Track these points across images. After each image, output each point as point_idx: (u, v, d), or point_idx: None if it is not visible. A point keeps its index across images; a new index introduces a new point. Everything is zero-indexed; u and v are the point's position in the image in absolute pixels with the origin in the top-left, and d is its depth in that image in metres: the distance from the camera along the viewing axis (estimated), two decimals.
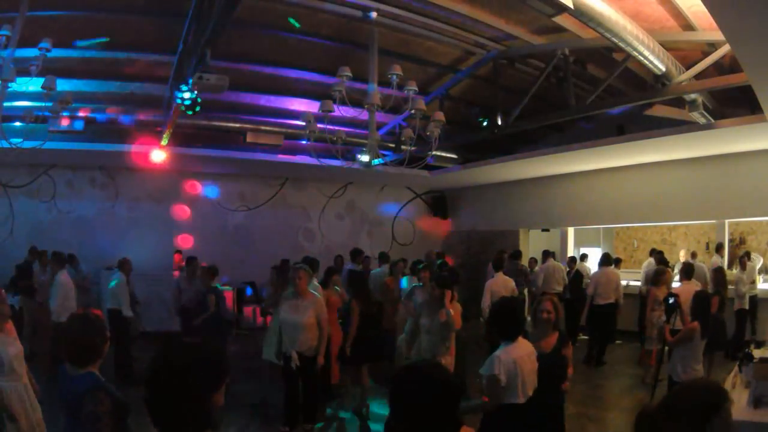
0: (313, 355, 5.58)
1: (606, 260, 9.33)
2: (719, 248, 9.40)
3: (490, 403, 3.50)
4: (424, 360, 2.12)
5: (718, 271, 8.16)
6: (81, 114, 8.25)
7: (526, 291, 10.43)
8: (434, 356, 5.07)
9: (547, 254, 10.88)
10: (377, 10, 6.62)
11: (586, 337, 9.62)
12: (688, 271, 7.17)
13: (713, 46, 6.37)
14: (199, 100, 6.38)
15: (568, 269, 10.79)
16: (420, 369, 2.05)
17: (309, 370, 5.60)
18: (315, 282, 7.09)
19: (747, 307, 8.59)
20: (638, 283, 10.71)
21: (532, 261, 11.59)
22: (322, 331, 5.57)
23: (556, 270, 10.51)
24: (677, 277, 8.18)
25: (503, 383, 3.43)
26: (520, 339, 3.63)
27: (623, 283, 9.65)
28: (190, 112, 6.53)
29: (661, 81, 6.82)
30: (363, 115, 6.12)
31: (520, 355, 3.53)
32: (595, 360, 8.83)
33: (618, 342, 10.16)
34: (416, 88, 5.87)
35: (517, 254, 10.91)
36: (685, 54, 6.76)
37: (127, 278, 8.08)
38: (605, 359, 8.91)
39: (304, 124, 6.43)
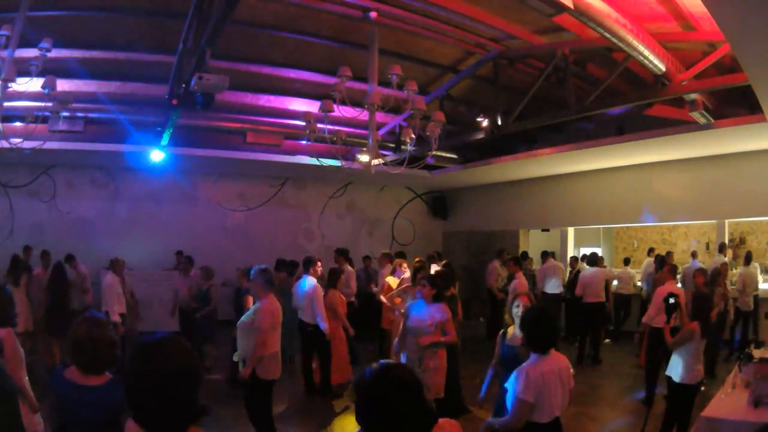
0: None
1: (594, 259, 9.39)
2: (722, 248, 9.39)
3: (512, 422, 3.15)
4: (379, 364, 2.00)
5: (703, 272, 8.15)
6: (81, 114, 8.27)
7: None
8: (420, 357, 4.94)
9: (546, 254, 10.89)
10: (377, 10, 6.61)
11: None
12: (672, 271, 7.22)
13: (713, 46, 6.37)
14: (199, 98, 6.36)
15: (569, 269, 10.80)
16: (374, 372, 2.02)
17: (248, 380, 4.84)
18: (312, 279, 7.10)
19: (751, 307, 8.60)
20: (639, 284, 10.73)
21: (573, 260, 11.56)
22: (256, 339, 4.74)
23: (557, 270, 10.52)
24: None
25: (531, 402, 3.09)
26: (552, 351, 3.28)
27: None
28: (197, 108, 6.51)
29: (661, 81, 6.81)
30: (363, 115, 6.12)
31: (551, 369, 3.19)
32: (592, 359, 8.87)
33: (607, 341, 10.17)
34: (416, 88, 5.87)
35: (525, 255, 10.94)
36: (685, 54, 6.75)
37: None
38: (601, 357, 8.95)
39: (304, 124, 6.42)
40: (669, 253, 9.78)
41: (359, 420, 1.94)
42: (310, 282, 7.00)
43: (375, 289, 9.29)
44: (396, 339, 5.41)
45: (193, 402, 1.74)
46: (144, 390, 1.68)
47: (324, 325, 6.81)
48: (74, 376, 2.45)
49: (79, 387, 2.40)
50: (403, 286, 7.24)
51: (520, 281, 7.80)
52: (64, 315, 7.48)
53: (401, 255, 9.47)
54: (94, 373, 2.45)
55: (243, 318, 4.96)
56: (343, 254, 9.34)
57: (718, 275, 7.64)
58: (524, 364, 3.23)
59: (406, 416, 1.89)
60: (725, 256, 9.21)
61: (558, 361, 3.28)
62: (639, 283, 10.74)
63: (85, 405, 2.37)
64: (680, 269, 10.87)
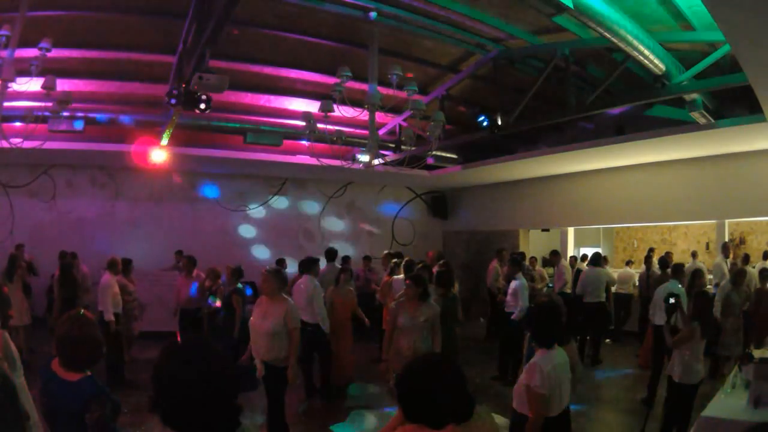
0: (281, 366, 4.86)
1: (596, 260, 9.39)
2: (725, 248, 9.36)
3: (535, 417, 3.17)
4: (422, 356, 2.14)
5: (695, 274, 8.13)
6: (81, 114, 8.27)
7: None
8: (415, 353, 4.97)
9: (557, 254, 10.80)
10: (377, 10, 6.62)
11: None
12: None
13: (713, 46, 6.37)
14: (201, 96, 6.34)
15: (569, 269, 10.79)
16: (417, 363, 2.18)
17: (275, 382, 4.90)
18: (313, 279, 7.09)
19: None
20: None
21: (573, 259, 11.58)
22: (292, 341, 4.87)
23: (568, 271, 10.52)
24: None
25: (547, 395, 3.16)
26: (556, 346, 3.37)
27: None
28: (202, 106, 6.46)
29: (661, 81, 6.82)
30: (363, 115, 6.12)
31: (559, 362, 3.28)
32: (592, 359, 8.88)
33: (607, 341, 10.17)
34: (416, 88, 5.87)
35: (521, 255, 10.90)
36: (685, 54, 6.76)
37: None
38: (600, 357, 8.96)
39: (304, 124, 6.43)
40: (668, 253, 9.77)
41: (410, 410, 2.05)
42: (311, 282, 7.01)
43: (375, 286, 9.28)
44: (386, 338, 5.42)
45: (229, 407, 1.68)
46: (176, 392, 1.64)
47: (325, 326, 6.82)
48: (57, 368, 2.56)
49: (58, 380, 2.51)
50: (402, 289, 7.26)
51: (522, 281, 7.80)
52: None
53: (399, 255, 9.46)
54: (72, 370, 2.53)
55: (263, 319, 4.86)
56: (327, 255, 9.26)
57: (742, 275, 7.48)
58: (535, 359, 3.25)
59: (455, 403, 2.04)
60: (726, 258, 9.17)
61: (562, 356, 3.37)
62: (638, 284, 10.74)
63: (60, 397, 2.49)
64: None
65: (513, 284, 7.83)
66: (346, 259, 10.46)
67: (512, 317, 7.62)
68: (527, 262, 10.70)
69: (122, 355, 7.59)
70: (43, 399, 2.57)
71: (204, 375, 1.65)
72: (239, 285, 7.50)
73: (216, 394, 1.65)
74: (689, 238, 13.83)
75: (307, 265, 7.30)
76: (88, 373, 2.56)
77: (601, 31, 5.42)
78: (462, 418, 2.06)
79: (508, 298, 7.90)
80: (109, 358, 6.90)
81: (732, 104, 7.75)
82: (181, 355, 1.71)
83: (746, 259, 9.21)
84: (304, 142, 9.15)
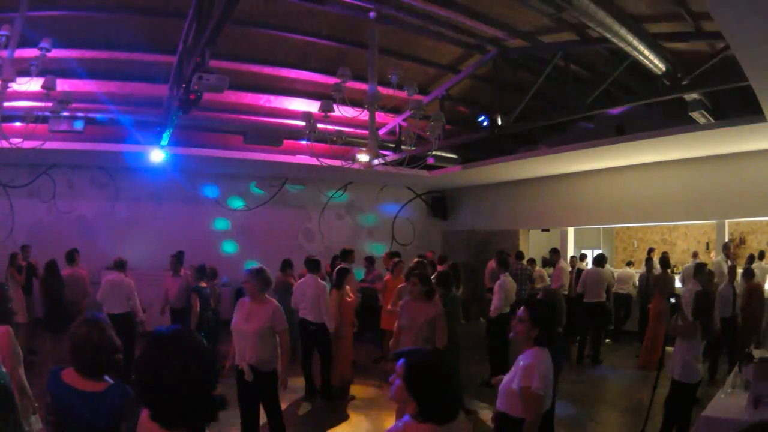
0: (270, 370, 4.64)
1: (599, 260, 9.39)
2: (726, 248, 9.34)
3: (535, 419, 3.04)
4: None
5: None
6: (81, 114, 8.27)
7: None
8: None
9: (556, 252, 10.77)
10: (377, 10, 6.62)
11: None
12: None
13: (713, 46, 6.37)
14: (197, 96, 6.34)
15: (569, 269, 10.78)
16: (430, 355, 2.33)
17: (267, 388, 4.69)
18: (319, 279, 7.10)
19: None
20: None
21: (573, 259, 11.55)
22: (282, 343, 4.68)
23: (566, 273, 10.50)
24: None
25: (543, 396, 3.05)
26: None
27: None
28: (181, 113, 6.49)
29: (661, 81, 6.82)
30: (363, 115, 6.11)
31: (550, 363, 3.20)
32: (592, 359, 8.88)
33: (607, 341, 10.16)
34: (416, 88, 5.87)
35: (521, 255, 10.90)
36: (685, 54, 6.76)
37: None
38: (600, 357, 8.96)
39: (304, 124, 6.42)
40: (665, 254, 9.76)
41: (421, 400, 2.13)
42: (318, 281, 7.00)
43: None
44: (392, 338, 5.43)
45: (209, 398, 1.72)
46: (157, 384, 1.67)
47: (331, 325, 6.83)
48: (73, 380, 2.37)
49: (80, 393, 2.32)
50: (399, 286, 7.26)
51: (504, 281, 7.88)
52: (60, 312, 7.59)
53: (397, 255, 9.45)
54: (93, 377, 2.36)
55: (248, 321, 4.67)
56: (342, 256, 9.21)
57: None
58: (530, 361, 3.13)
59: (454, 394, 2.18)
60: (726, 258, 9.14)
61: (548, 356, 3.23)
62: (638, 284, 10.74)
63: (86, 411, 2.29)
64: (680, 268, 10.91)
65: (497, 284, 7.93)
66: (370, 260, 10.44)
67: (490, 314, 7.77)
68: (525, 263, 10.68)
69: None
70: (62, 414, 2.33)
71: (182, 366, 1.67)
72: (200, 284, 7.49)
73: (194, 385, 1.68)
74: (689, 238, 13.83)
75: (313, 265, 7.30)
76: (110, 380, 2.40)
77: (601, 31, 5.42)
78: (445, 419, 2.13)
79: (493, 296, 7.98)
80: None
81: (732, 104, 7.75)
82: (159, 347, 1.73)
83: (751, 259, 9.19)
84: (304, 142, 9.16)
